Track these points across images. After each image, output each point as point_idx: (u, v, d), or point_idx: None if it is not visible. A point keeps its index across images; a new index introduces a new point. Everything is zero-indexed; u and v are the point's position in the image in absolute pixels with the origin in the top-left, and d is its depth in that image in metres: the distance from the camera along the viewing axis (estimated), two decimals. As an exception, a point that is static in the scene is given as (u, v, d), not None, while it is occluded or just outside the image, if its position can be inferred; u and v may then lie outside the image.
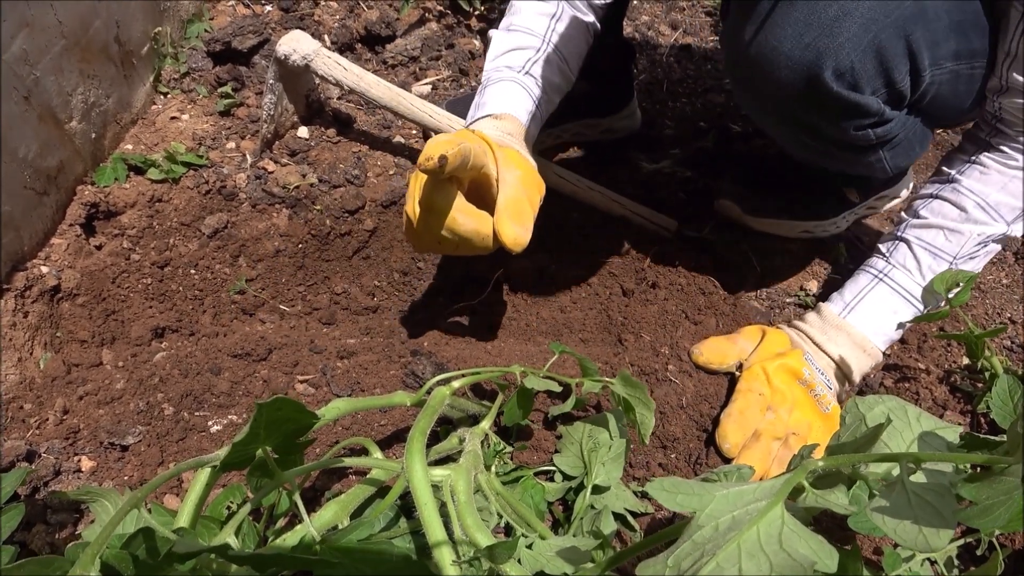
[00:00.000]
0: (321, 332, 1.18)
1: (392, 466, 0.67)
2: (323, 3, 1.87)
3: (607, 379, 0.88)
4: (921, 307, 1.05)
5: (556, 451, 0.93)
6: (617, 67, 1.55)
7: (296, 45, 1.35)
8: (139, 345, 1.16)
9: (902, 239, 1.07)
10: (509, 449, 0.90)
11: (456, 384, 0.79)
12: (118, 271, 1.23)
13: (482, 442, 0.84)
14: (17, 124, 1.09)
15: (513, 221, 0.91)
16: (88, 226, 1.26)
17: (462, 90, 1.69)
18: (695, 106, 1.79)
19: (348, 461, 0.67)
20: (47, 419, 0.95)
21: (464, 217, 0.87)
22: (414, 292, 1.34)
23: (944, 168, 1.07)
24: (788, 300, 1.29)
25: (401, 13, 1.78)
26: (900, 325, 1.06)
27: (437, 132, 1.42)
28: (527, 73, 1.09)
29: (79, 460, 0.90)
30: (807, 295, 1.30)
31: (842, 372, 1.07)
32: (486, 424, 0.84)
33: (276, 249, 1.31)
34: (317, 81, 1.45)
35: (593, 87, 1.54)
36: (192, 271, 1.28)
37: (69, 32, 1.20)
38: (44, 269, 1.14)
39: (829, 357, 1.07)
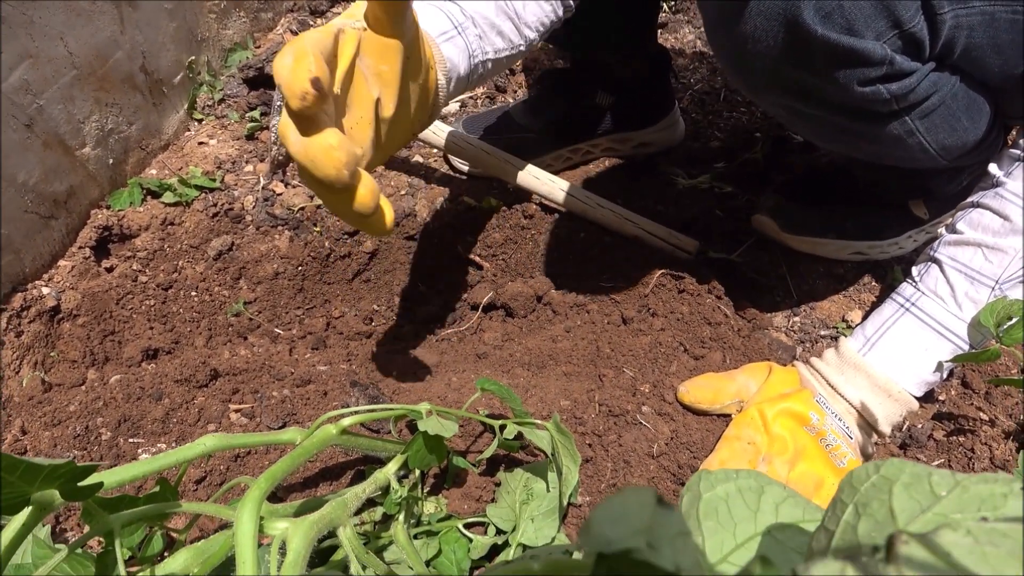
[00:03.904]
0: (303, 358, 1.14)
1: (227, 513, 0.60)
2: (369, 26, 1.87)
3: (538, 421, 0.76)
4: (962, 343, 0.85)
5: (493, 500, 0.82)
6: (648, 77, 1.41)
7: (302, 65, 1.33)
8: (129, 366, 1.16)
9: (934, 259, 0.87)
10: (421, 498, 0.80)
11: (346, 422, 0.70)
12: (123, 292, 1.25)
13: (389, 488, 0.75)
14: (17, 151, 1.13)
15: None
16: (102, 248, 1.29)
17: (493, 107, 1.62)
18: (753, 116, 1.61)
19: (186, 506, 0.61)
20: (4, 439, 0.96)
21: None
22: (413, 317, 1.28)
23: (991, 170, 0.86)
24: (824, 333, 1.10)
25: (438, 31, 1.73)
26: (939, 366, 0.86)
27: (443, 148, 1.35)
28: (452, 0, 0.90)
29: (17, 483, 0.90)
30: (848, 326, 1.11)
31: (865, 421, 0.88)
32: (392, 467, 0.75)
33: (276, 271, 1.29)
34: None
35: (622, 98, 1.42)
36: (193, 293, 1.28)
37: (82, 63, 1.24)
38: (45, 290, 1.18)
39: (847, 402, 0.88)
